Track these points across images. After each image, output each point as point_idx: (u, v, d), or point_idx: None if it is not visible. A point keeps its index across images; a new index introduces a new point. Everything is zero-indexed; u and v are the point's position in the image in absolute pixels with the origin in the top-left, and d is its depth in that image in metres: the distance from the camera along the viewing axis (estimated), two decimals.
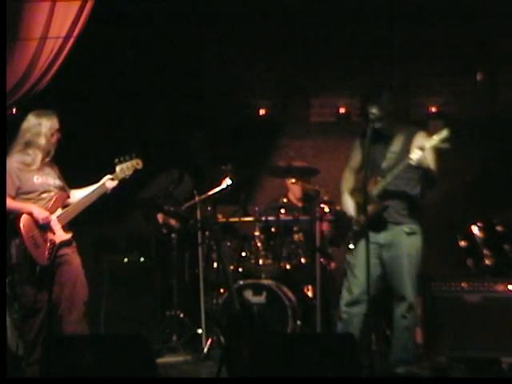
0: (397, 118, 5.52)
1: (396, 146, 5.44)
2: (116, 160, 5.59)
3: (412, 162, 5.21)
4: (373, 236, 5.32)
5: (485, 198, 7.42)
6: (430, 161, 5.30)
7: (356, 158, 5.64)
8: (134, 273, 6.85)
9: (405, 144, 5.42)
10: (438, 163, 5.36)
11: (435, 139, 5.19)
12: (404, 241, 5.38)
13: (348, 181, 5.67)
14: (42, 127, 5.45)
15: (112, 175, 5.58)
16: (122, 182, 5.60)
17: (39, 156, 5.46)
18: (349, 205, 5.56)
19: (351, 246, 5.50)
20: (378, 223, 5.34)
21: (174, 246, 6.99)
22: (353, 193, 5.57)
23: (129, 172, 5.61)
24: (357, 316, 5.44)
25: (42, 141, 5.45)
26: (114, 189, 5.59)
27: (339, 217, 5.87)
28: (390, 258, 5.39)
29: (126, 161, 5.61)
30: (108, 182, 5.57)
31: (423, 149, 5.18)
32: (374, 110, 5.33)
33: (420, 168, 5.28)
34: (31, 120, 5.47)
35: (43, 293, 5.38)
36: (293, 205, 7.21)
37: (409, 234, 5.40)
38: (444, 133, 5.19)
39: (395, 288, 5.41)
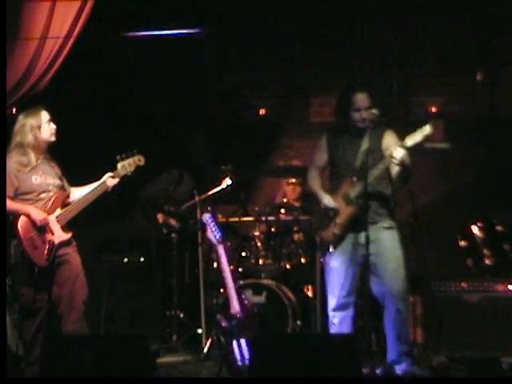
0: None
1: (366, 145, 5.26)
2: (117, 157, 5.56)
3: (395, 161, 5.12)
4: (353, 237, 5.30)
5: (485, 198, 7.42)
6: (407, 157, 5.16)
7: (322, 156, 5.52)
8: (134, 273, 6.86)
9: (374, 143, 5.29)
10: (412, 158, 5.23)
11: (418, 136, 5.07)
12: (385, 235, 5.34)
13: (316, 180, 5.53)
14: (26, 126, 5.47)
15: (113, 173, 5.56)
16: (124, 180, 5.57)
17: (32, 154, 5.46)
18: (329, 198, 5.37)
19: (331, 249, 5.40)
20: (359, 224, 5.23)
21: (174, 246, 6.99)
22: (332, 196, 5.42)
23: (130, 169, 5.57)
24: (346, 319, 5.38)
25: (30, 139, 5.46)
26: (115, 186, 5.57)
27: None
28: (374, 255, 5.25)
29: (127, 157, 5.57)
30: (109, 180, 5.54)
31: (406, 147, 5.09)
32: (374, 111, 5.24)
33: (400, 166, 5.16)
34: (19, 121, 5.52)
35: (42, 293, 5.38)
36: (291, 205, 7.20)
37: (388, 228, 5.36)
38: (427, 129, 5.06)
39: (383, 284, 5.31)
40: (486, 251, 6.37)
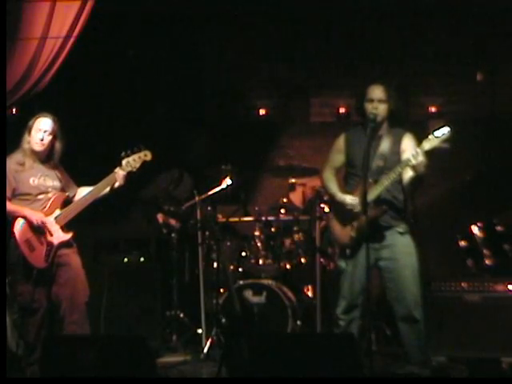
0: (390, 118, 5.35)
1: (384, 147, 5.25)
2: (122, 154, 5.49)
3: (412, 165, 5.02)
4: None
5: (485, 198, 7.42)
6: (423, 161, 5.06)
7: (339, 157, 5.44)
8: (134, 273, 6.85)
9: (393, 146, 5.26)
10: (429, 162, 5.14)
11: (436, 140, 4.97)
12: (399, 241, 5.29)
13: (334, 182, 5.45)
14: (27, 128, 5.47)
15: (116, 170, 5.50)
16: (129, 175, 5.51)
17: (27, 155, 5.47)
18: (350, 197, 5.27)
19: (348, 253, 5.33)
20: (374, 228, 5.20)
21: (174, 246, 6.98)
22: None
23: (135, 164, 5.46)
24: (354, 321, 5.34)
25: (24, 140, 5.47)
26: (123, 180, 5.47)
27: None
28: (388, 259, 5.28)
29: (132, 153, 5.48)
30: (117, 173, 5.45)
31: (424, 150, 4.99)
32: (374, 111, 5.21)
33: (415, 170, 5.07)
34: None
35: (40, 293, 5.38)
36: (293, 205, 7.20)
37: (402, 233, 5.30)
38: (445, 131, 4.96)
39: (398, 289, 5.28)
40: (485, 251, 6.37)
